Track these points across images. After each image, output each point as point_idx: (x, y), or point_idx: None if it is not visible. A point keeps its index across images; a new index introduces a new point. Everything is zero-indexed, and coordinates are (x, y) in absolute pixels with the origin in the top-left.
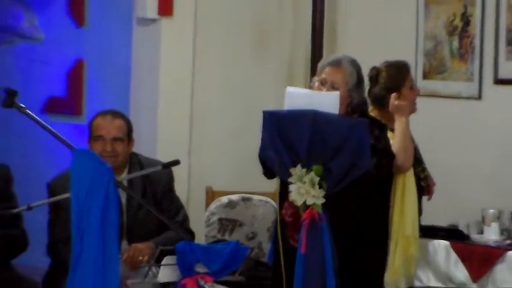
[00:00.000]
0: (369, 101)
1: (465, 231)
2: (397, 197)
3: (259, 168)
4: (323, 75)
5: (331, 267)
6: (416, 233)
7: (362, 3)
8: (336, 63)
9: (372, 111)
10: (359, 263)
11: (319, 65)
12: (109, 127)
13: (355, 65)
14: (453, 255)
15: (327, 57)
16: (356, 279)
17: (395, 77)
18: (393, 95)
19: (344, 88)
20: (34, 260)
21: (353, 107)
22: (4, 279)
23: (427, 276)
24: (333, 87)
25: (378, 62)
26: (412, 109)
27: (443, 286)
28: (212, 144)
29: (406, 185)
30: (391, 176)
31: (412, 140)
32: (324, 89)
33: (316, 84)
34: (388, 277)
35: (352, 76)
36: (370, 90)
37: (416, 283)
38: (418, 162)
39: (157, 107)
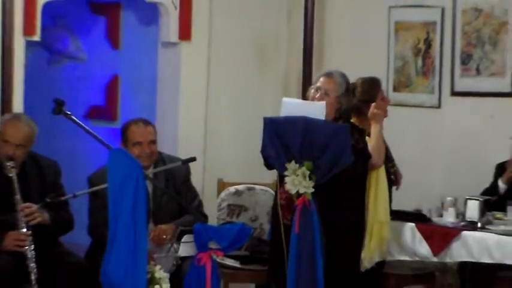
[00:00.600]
0: None
1: (427, 215)
2: (371, 188)
3: (261, 164)
4: (318, 84)
5: (319, 244)
6: (388, 217)
7: (344, 29)
8: (329, 74)
9: (352, 119)
10: (341, 242)
11: (316, 77)
12: (145, 133)
13: (344, 77)
14: (418, 235)
15: (316, 72)
16: (339, 255)
17: (369, 91)
18: (373, 104)
19: (334, 94)
20: (78, 238)
21: (341, 113)
22: (55, 252)
23: (396, 252)
24: (326, 94)
25: (357, 76)
26: (385, 115)
27: (410, 259)
28: (222, 144)
29: (378, 178)
30: (366, 171)
31: (384, 142)
32: (318, 95)
33: (312, 91)
34: (365, 253)
35: (342, 86)
36: None
37: (388, 257)
38: (388, 159)
39: (178, 114)
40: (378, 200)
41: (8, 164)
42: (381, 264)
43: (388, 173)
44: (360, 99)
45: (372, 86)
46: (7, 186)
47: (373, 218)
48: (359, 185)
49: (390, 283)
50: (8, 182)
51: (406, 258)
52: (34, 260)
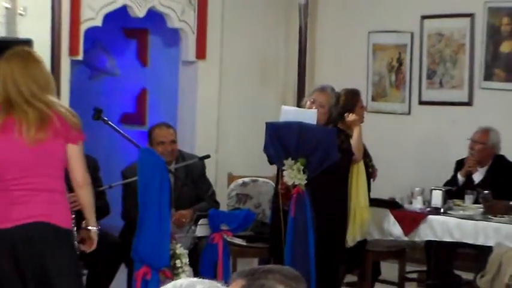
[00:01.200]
0: None
1: (400, 202)
2: (353, 180)
3: (263, 160)
4: (313, 97)
5: (311, 225)
6: (367, 204)
7: (331, 50)
8: (322, 89)
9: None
10: (330, 224)
11: (311, 91)
12: (166, 134)
13: (334, 90)
14: (392, 219)
15: (308, 86)
16: (328, 234)
17: (350, 100)
18: (350, 115)
19: (327, 106)
20: (113, 221)
21: (331, 120)
22: None
23: (374, 232)
24: (320, 106)
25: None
26: (361, 121)
27: (386, 239)
28: (231, 144)
29: (359, 171)
30: (349, 166)
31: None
32: (314, 107)
33: (308, 103)
34: (349, 233)
35: (332, 99)
36: None
37: (368, 237)
38: (367, 156)
39: (195, 119)
40: (359, 189)
41: None
42: (363, 242)
43: (367, 167)
44: (342, 106)
45: (353, 95)
46: None
47: (355, 203)
48: (343, 177)
49: (369, 258)
50: None
51: (382, 237)
52: (76, 238)
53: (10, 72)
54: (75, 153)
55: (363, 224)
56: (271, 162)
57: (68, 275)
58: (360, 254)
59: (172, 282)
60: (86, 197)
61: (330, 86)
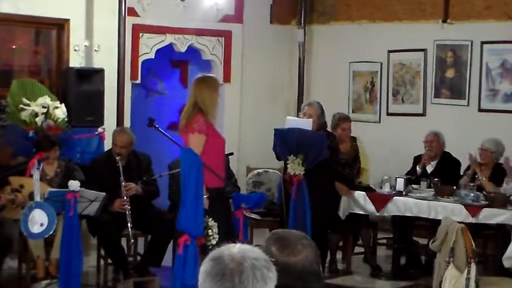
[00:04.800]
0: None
1: (373, 187)
2: None
3: (273, 157)
4: (304, 110)
5: (308, 205)
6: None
7: (322, 75)
8: (310, 104)
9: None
10: (322, 205)
11: (302, 106)
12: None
13: (319, 104)
14: (367, 199)
15: (305, 101)
16: (320, 214)
17: (337, 121)
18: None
19: (315, 116)
20: (162, 202)
21: (320, 126)
22: (150, 210)
23: (357, 209)
24: (309, 116)
25: (332, 105)
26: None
27: (364, 213)
28: (249, 145)
29: None
30: (334, 160)
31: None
32: (305, 117)
33: (302, 115)
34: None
35: (318, 110)
36: None
37: (351, 211)
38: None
39: (222, 126)
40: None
41: (117, 158)
42: (357, 216)
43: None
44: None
45: (339, 118)
46: (117, 172)
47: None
48: (331, 168)
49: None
50: (118, 170)
51: (361, 212)
52: (130, 216)
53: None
54: None
55: (348, 202)
56: (278, 159)
57: None
58: (353, 224)
59: (226, 246)
60: None
61: (315, 101)
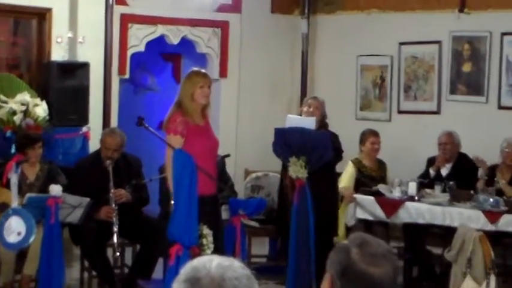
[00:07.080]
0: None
1: (383, 192)
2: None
3: (273, 158)
4: (309, 102)
5: (311, 211)
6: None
7: (327, 71)
8: (314, 97)
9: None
10: (324, 207)
11: (305, 99)
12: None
13: (322, 99)
14: (377, 205)
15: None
16: (323, 218)
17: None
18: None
19: (319, 109)
20: (152, 208)
21: (322, 124)
22: (139, 218)
23: (365, 214)
24: (315, 108)
25: (338, 101)
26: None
27: (373, 219)
28: (247, 146)
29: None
30: (338, 161)
31: None
32: (310, 109)
33: (305, 108)
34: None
35: (322, 105)
36: None
37: (358, 217)
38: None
39: (218, 125)
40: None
41: (108, 162)
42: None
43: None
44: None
45: (369, 132)
46: (106, 176)
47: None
48: (335, 172)
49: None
50: (107, 174)
51: (370, 218)
52: (117, 225)
53: None
54: None
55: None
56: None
57: None
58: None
59: (206, 257)
60: None
61: (319, 97)
